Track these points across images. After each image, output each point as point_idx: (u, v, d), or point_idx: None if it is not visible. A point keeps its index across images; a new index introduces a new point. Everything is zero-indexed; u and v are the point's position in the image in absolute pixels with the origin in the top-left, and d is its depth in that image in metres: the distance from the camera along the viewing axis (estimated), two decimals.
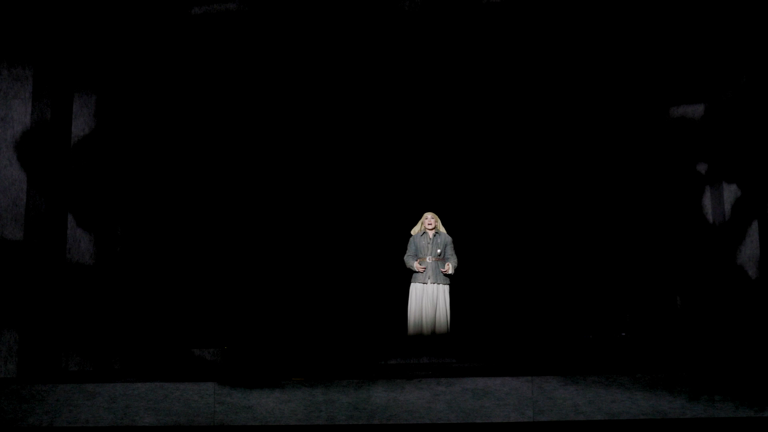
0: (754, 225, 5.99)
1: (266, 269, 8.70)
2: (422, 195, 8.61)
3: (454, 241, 7.60)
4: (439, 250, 7.38)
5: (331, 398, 4.91)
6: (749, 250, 5.92)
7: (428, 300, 7.28)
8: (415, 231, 7.60)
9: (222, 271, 8.52)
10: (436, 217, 7.60)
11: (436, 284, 7.32)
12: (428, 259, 7.36)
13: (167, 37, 7.41)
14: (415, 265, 7.34)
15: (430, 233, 7.48)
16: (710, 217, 6.51)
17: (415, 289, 7.37)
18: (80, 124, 6.93)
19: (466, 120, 8.91)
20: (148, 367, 6.90)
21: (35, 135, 6.17)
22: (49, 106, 6.33)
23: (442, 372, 5.65)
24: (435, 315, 7.27)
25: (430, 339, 7.18)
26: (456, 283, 7.55)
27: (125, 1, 6.90)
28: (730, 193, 6.28)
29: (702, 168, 6.75)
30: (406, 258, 7.48)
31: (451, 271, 7.35)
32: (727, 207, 6.20)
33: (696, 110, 6.92)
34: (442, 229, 7.59)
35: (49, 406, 4.99)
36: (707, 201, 6.63)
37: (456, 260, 7.45)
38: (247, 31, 7.47)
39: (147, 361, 7.01)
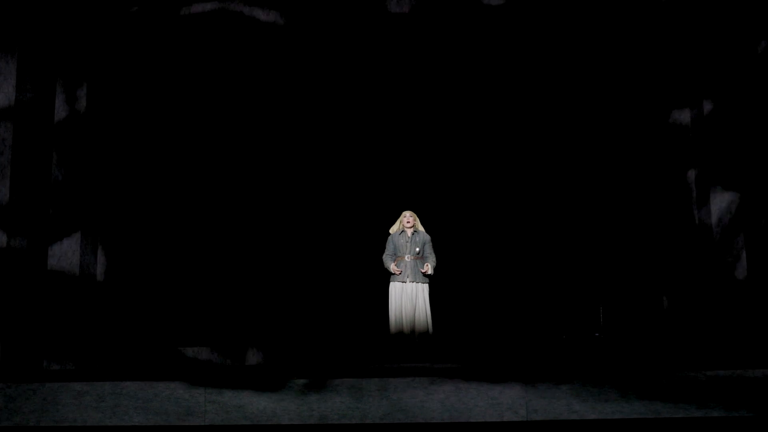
0: (742, 228, 6.06)
1: (251, 269, 8.63)
2: (400, 193, 8.58)
3: (432, 240, 7.60)
4: (417, 249, 7.39)
5: (324, 397, 4.89)
6: (736, 252, 5.98)
7: (407, 298, 7.29)
8: (393, 229, 7.61)
9: (206, 271, 8.43)
10: (415, 215, 7.61)
11: (415, 283, 7.33)
12: (407, 258, 7.37)
13: (158, 30, 7.34)
14: (392, 267, 7.36)
15: (409, 232, 7.49)
16: (696, 219, 6.57)
17: (394, 288, 7.38)
18: (62, 112, 6.82)
19: (447, 119, 8.92)
20: (137, 367, 6.79)
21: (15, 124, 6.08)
22: (32, 92, 6.23)
23: (427, 373, 5.62)
24: (414, 314, 7.28)
25: (412, 339, 7.17)
26: (435, 282, 7.54)
27: None
28: (716, 195, 6.33)
29: (690, 171, 6.81)
30: (384, 257, 7.49)
31: (430, 272, 7.38)
32: (714, 209, 6.25)
33: (683, 115, 6.98)
34: (421, 228, 7.60)
35: (35, 405, 4.90)
36: (694, 204, 6.69)
37: (434, 259, 7.46)
38: (233, 27, 7.42)
39: (136, 362, 6.90)
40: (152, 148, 8.17)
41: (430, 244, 7.52)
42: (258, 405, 4.90)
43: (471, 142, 8.87)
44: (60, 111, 6.74)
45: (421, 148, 8.95)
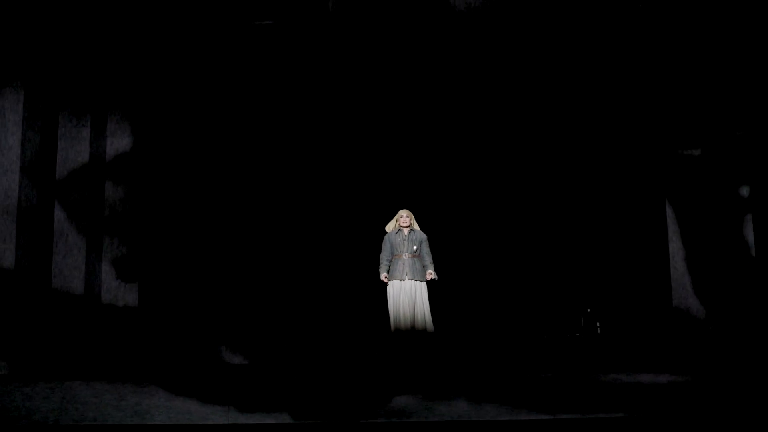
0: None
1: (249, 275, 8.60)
2: (392, 193, 8.61)
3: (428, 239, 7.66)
4: (415, 247, 7.46)
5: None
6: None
7: (405, 296, 7.35)
8: (389, 228, 7.65)
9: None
10: (411, 214, 7.65)
11: (413, 280, 7.39)
12: (404, 256, 7.42)
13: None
14: (382, 277, 7.44)
15: (405, 230, 7.53)
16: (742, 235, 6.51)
17: (392, 287, 7.43)
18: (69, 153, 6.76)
19: (448, 123, 8.97)
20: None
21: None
22: (39, 131, 6.20)
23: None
24: (413, 312, 7.33)
25: (411, 337, 7.20)
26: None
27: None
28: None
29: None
30: (381, 258, 7.54)
31: (435, 277, 7.43)
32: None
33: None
34: (416, 226, 7.65)
35: (54, 403, 4.82)
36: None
37: (431, 259, 7.52)
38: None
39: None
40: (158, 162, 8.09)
41: (427, 242, 7.58)
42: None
43: (470, 145, 8.93)
44: (73, 146, 6.68)
45: (418, 150, 8.99)
